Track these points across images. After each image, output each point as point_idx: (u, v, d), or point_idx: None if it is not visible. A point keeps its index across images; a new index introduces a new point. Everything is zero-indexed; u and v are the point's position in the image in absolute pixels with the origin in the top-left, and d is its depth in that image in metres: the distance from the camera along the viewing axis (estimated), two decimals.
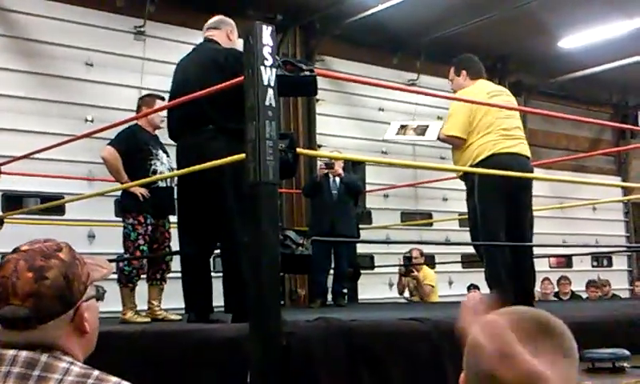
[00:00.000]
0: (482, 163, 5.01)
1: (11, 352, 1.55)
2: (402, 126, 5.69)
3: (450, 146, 5.43)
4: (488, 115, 5.12)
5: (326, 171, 7.61)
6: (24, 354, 1.54)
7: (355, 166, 8.76)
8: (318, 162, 7.95)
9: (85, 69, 8.71)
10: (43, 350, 1.56)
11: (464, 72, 5.47)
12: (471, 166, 5.06)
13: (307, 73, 3.81)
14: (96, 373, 1.56)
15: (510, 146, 5.12)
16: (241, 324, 3.56)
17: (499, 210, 5.01)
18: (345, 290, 7.81)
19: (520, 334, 1.27)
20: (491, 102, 5.23)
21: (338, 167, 7.66)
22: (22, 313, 1.56)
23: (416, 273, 9.03)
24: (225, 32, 4.99)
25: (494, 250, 4.98)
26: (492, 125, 5.11)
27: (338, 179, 7.68)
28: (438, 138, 5.36)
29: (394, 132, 5.70)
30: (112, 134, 5.75)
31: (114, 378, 1.57)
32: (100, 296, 1.74)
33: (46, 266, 1.59)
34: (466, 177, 5.30)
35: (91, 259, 1.74)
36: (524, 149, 5.24)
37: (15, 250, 1.65)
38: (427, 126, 5.50)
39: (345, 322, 3.43)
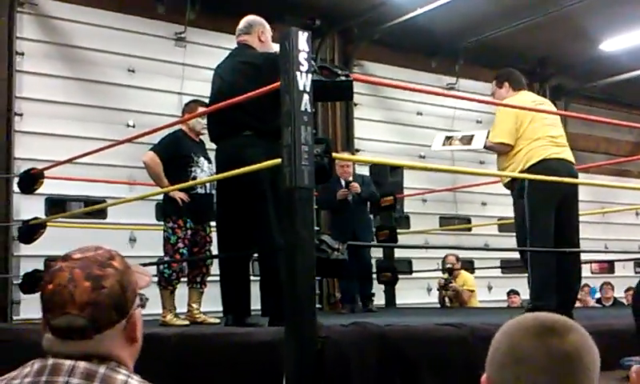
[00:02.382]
0: (533, 168, 5.03)
1: (68, 362, 1.53)
2: (448, 137, 5.71)
3: (495, 154, 5.44)
4: (534, 122, 5.15)
5: (347, 193, 7.58)
6: (82, 364, 1.52)
7: (393, 171, 8.75)
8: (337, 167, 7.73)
9: (126, 75, 8.85)
10: (99, 361, 1.55)
11: (506, 84, 5.48)
12: (521, 171, 5.07)
13: (343, 78, 3.83)
14: None
15: (558, 151, 5.15)
16: (276, 328, 3.59)
17: (549, 214, 5.01)
18: (373, 292, 7.81)
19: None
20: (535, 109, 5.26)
21: (356, 184, 7.65)
22: (80, 322, 1.54)
23: (454, 284, 8.98)
24: (256, 35, 5.01)
25: (542, 255, 4.96)
26: (539, 132, 5.14)
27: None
28: (485, 147, 5.38)
29: (440, 143, 5.72)
30: (153, 139, 5.83)
31: None
32: (143, 304, 1.75)
33: (103, 274, 1.58)
34: (512, 182, 5.29)
35: (137, 269, 1.73)
36: (569, 155, 5.26)
37: (66, 258, 1.62)
38: (472, 136, 5.52)
39: (379, 326, 3.44)
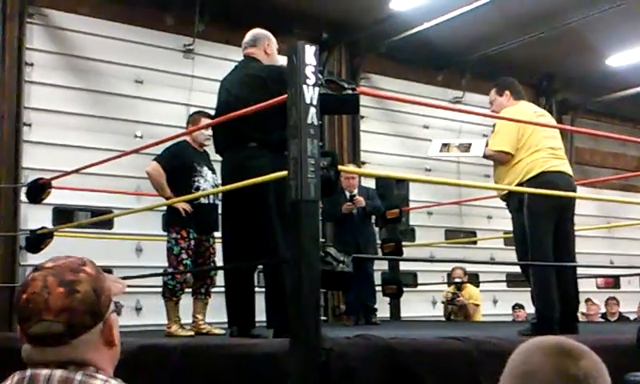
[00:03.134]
0: (532, 180, 5.03)
1: (44, 372, 1.55)
2: (445, 144, 5.69)
3: (493, 164, 5.43)
4: (535, 134, 5.15)
5: (352, 207, 7.59)
6: (58, 373, 1.55)
7: (398, 184, 8.76)
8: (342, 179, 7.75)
9: (135, 86, 8.90)
10: (76, 367, 1.57)
11: (507, 93, 5.47)
12: (521, 182, 5.07)
13: (349, 91, 3.85)
14: None
15: (557, 164, 5.15)
16: (281, 339, 3.60)
17: (549, 227, 5.01)
18: (376, 307, 7.82)
19: None
20: (538, 122, 5.26)
21: (361, 198, 7.66)
22: (56, 328, 1.56)
23: (461, 298, 8.98)
24: (262, 48, 5.04)
25: (542, 268, 4.96)
26: (540, 143, 5.13)
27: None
28: (484, 155, 5.36)
29: (437, 149, 5.70)
30: (160, 149, 5.87)
31: None
32: (119, 310, 1.77)
33: (76, 280, 1.60)
34: (509, 195, 5.28)
35: (110, 277, 1.76)
36: (568, 168, 5.27)
37: (39, 268, 1.64)
38: (470, 144, 5.51)
39: (384, 339, 3.45)
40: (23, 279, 1.66)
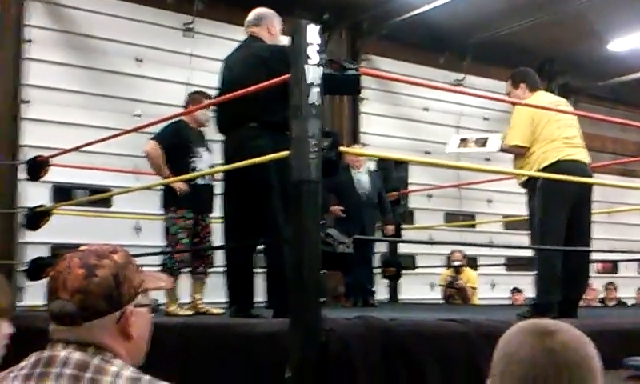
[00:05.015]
0: (547, 169, 5.02)
1: (63, 354, 1.56)
2: (462, 140, 5.73)
3: (512, 155, 5.44)
4: (550, 125, 5.13)
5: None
6: (76, 355, 1.56)
7: (398, 166, 8.74)
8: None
9: (134, 64, 8.87)
10: (94, 351, 1.58)
11: (523, 84, 5.44)
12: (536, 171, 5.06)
13: (352, 72, 3.83)
14: (147, 378, 1.56)
15: (573, 153, 5.13)
16: (281, 319, 3.60)
17: (560, 214, 5.00)
18: (374, 290, 7.82)
19: None
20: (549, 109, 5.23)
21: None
22: (69, 308, 1.58)
23: (460, 281, 8.99)
24: (265, 27, 5.00)
25: (549, 253, 4.96)
26: (554, 133, 5.12)
27: (364, 180, 7.66)
28: (501, 149, 5.38)
29: (455, 145, 5.74)
30: (159, 128, 5.84)
31: None
32: (154, 308, 1.76)
33: (98, 264, 1.62)
34: (527, 182, 5.29)
35: (152, 273, 1.78)
36: (585, 156, 5.24)
37: (74, 250, 1.68)
38: (487, 138, 5.53)
39: (383, 321, 3.45)
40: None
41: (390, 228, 7.92)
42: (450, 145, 5.80)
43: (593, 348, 1.41)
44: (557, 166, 5.00)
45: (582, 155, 5.21)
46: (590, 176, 5.27)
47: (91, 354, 1.57)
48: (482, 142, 5.51)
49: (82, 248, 1.67)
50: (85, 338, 1.58)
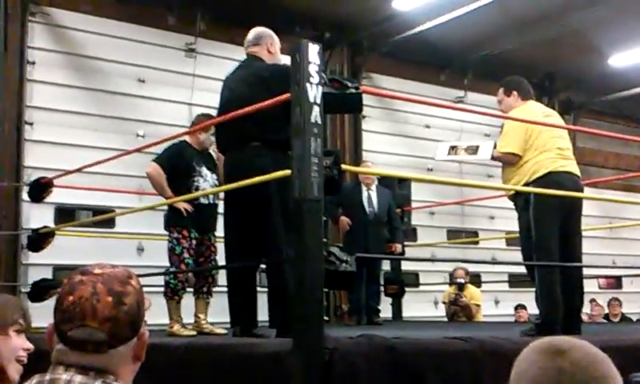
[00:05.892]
0: (539, 181, 5.00)
1: (65, 376, 1.55)
2: (453, 147, 5.67)
3: (498, 165, 5.42)
4: (543, 134, 5.12)
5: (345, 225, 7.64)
6: (78, 378, 1.55)
7: (401, 183, 8.75)
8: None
9: (137, 85, 8.90)
10: (96, 374, 1.56)
11: (515, 93, 5.44)
12: (527, 183, 5.05)
13: (352, 90, 3.84)
14: None
15: (565, 165, 5.12)
16: (284, 339, 3.59)
17: (555, 227, 5.00)
18: (379, 308, 7.80)
19: None
20: (544, 122, 5.23)
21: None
22: (99, 336, 1.56)
23: (464, 298, 8.97)
24: (265, 47, 5.03)
25: (546, 268, 4.95)
26: (547, 143, 5.11)
27: (373, 197, 7.67)
28: (492, 157, 5.34)
29: (444, 152, 5.68)
30: (162, 149, 5.86)
31: None
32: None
33: (124, 291, 1.61)
34: (517, 194, 5.27)
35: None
36: (576, 168, 5.24)
37: (85, 272, 1.64)
38: (478, 146, 5.49)
39: (387, 339, 3.43)
40: (67, 280, 1.65)
41: (398, 247, 7.90)
42: (439, 152, 5.73)
43: (610, 366, 1.37)
44: (549, 178, 4.99)
45: (574, 167, 5.21)
46: (582, 189, 5.27)
47: (93, 378, 1.56)
48: (474, 150, 5.45)
49: (96, 271, 1.64)
50: (106, 365, 1.57)
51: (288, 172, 3.43)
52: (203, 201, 5.74)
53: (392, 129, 11.00)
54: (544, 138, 5.09)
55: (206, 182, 5.80)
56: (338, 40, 10.24)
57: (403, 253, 8.13)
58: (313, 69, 3.35)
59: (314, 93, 3.32)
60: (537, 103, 5.60)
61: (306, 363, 3.02)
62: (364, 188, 7.68)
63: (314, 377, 3.00)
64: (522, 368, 1.39)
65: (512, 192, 5.28)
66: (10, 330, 2.38)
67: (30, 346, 2.26)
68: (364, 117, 10.44)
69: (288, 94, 3.50)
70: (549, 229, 4.99)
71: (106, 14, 8.69)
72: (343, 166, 4.08)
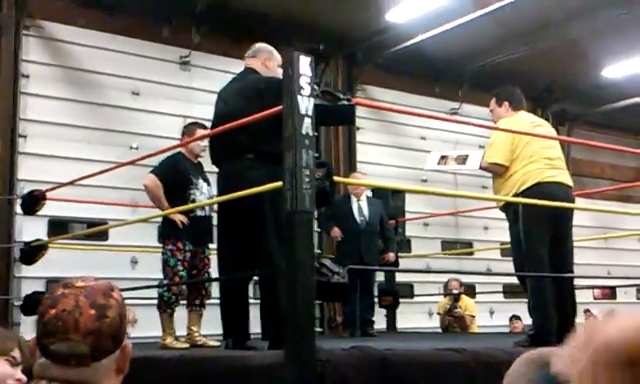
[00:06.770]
0: (527, 192, 4.99)
1: None
2: (443, 157, 5.67)
3: (491, 175, 5.42)
4: (531, 144, 5.11)
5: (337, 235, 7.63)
6: None
7: (395, 195, 8.75)
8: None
9: (131, 98, 8.90)
10: None
11: (506, 103, 5.44)
12: (516, 194, 5.04)
13: (345, 102, 3.85)
14: None
15: (554, 175, 5.10)
16: (276, 351, 3.58)
17: (544, 238, 4.99)
18: (373, 319, 7.79)
19: None
20: (534, 132, 5.22)
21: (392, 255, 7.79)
22: (82, 349, 1.55)
23: (459, 310, 8.96)
24: (260, 60, 5.04)
25: (539, 278, 4.94)
26: (535, 154, 5.09)
27: (364, 207, 7.66)
28: (480, 167, 5.34)
29: (434, 162, 5.68)
30: (156, 161, 5.86)
31: None
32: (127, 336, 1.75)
33: (107, 304, 1.60)
34: (507, 206, 5.27)
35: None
36: (567, 178, 5.22)
37: (68, 285, 1.63)
38: (467, 156, 5.48)
39: (380, 350, 3.43)
40: (49, 294, 1.64)
41: (391, 255, 7.88)
42: (428, 162, 5.73)
43: None
44: (538, 188, 4.98)
45: (564, 178, 5.18)
46: (572, 198, 5.25)
47: None
48: (463, 160, 5.45)
49: (79, 283, 1.63)
50: (90, 379, 1.56)
51: (280, 184, 3.44)
52: (199, 213, 5.74)
53: (387, 140, 11.01)
54: (532, 149, 5.08)
55: (202, 194, 5.80)
56: (333, 52, 10.28)
57: (397, 264, 8.11)
58: (304, 81, 3.36)
59: (306, 105, 3.33)
60: (527, 113, 5.59)
61: (298, 375, 3.02)
62: (353, 199, 7.66)
63: None
64: (512, 379, 1.39)
65: (502, 203, 5.28)
66: (1, 359, 2.34)
67: (23, 377, 2.24)
68: (358, 128, 10.46)
69: (280, 107, 3.51)
70: (538, 240, 4.97)
71: (100, 27, 8.69)
72: (335, 178, 4.08)
